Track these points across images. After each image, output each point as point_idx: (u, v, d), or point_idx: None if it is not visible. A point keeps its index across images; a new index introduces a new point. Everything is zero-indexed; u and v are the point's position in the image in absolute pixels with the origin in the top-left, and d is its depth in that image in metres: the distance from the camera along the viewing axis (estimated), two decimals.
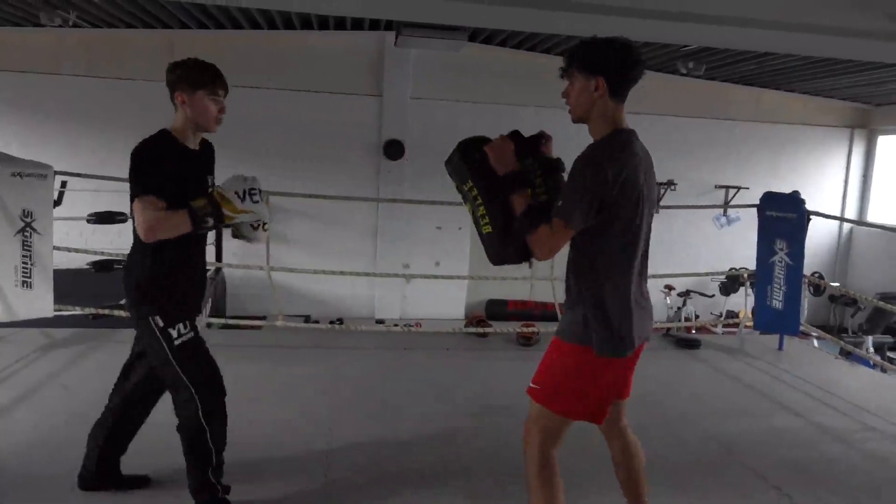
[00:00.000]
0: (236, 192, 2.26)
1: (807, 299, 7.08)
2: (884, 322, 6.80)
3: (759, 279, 4.69)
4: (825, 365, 4.96)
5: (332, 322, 7.70)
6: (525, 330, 5.01)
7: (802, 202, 4.50)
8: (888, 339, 6.64)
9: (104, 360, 4.09)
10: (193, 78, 2.28)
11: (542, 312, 9.84)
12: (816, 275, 8.53)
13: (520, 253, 2.01)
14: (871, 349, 5.95)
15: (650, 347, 5.10)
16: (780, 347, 5.13)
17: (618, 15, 5.54)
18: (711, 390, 4.26)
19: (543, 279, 5.34)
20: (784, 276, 4.54)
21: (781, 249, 4.51)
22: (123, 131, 6.68)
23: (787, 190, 4.82)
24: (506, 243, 2.02)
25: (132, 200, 2.19)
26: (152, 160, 2.22)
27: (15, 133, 8.18)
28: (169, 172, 2.22)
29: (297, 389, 3.89)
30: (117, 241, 7.15)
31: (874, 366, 5.41)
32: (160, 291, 2.30)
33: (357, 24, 8.60)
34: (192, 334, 2.32)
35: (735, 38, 5.67)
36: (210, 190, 2.35)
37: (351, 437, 3.25)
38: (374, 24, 8.60)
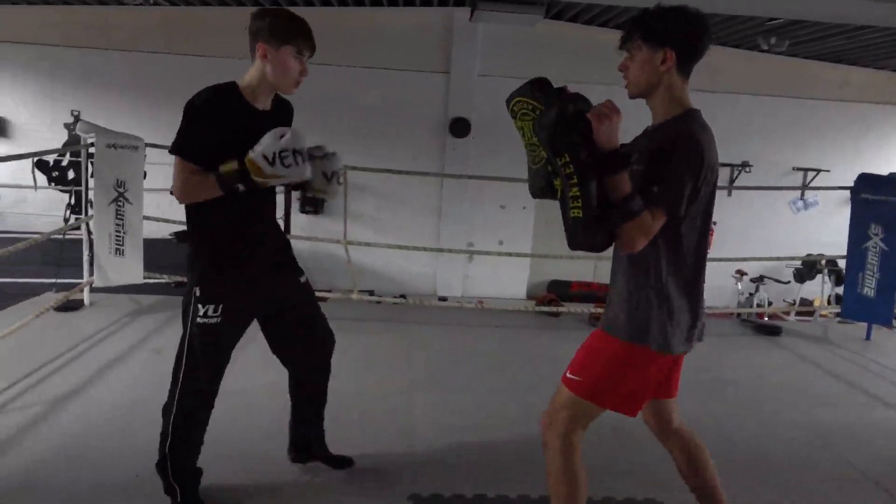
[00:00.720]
0: (265, 157, 2.00)
1: None
2: None
3: (851, 265, 4.46)
4: None
5: (396, 298, 7.77)
6: (599, 311, 4.93)
7: None
8: None
9: None
10: (283, 30, 2.06)
11: (605, 294, 9.71)
12: None
13: (606, 241, 1.73)
14: None
15: (729, 333, 4.99)
16: (868, 337, 4.90)
17: None
18: (798, 379, 4.10)
19: (608, 258, 5.22)
20: (878, 262, 4.31)
21: (876, 234, 4.27)
22: None
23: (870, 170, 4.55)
24: (595, 230, 1.70)
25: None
26: (203, 118, 2.02)
27: (100, 108, 8.53)
28: (225, 132, 2.02)
29: (376, 360, 3.96)
30: None
31: None
32: (203, 261, 2.14)
33: (426, 1, 8.55)
34: (217, 320, 2.12)
35: (829, 10, 5.41)
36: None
37: (432, 408, 3.28)
38: (444, 1, 8.53)
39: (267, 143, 2.01)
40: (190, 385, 2.18)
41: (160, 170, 7.14)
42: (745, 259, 6.02)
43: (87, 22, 8.58)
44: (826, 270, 8.41)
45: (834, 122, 9.48)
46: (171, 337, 4.14)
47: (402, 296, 9.60)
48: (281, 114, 2.23)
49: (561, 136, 1.66)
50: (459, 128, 9.20)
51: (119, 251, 4.18)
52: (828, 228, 9.21)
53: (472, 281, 9.77)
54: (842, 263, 5.62)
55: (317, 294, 2.61)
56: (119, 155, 4.12)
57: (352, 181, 9.17)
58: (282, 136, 2.02)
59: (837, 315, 7.26)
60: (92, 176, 4.18)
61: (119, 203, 4.14)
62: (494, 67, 9.07)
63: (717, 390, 3.76)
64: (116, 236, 4.16)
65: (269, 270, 2.25)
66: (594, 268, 9.95)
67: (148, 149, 4.89)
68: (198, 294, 2.12)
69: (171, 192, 2.08)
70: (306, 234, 8.90)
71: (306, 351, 2.41)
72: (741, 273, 8.76)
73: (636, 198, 1.68)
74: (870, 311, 4.50)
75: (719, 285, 9.03)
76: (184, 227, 2.31)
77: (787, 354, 4.53)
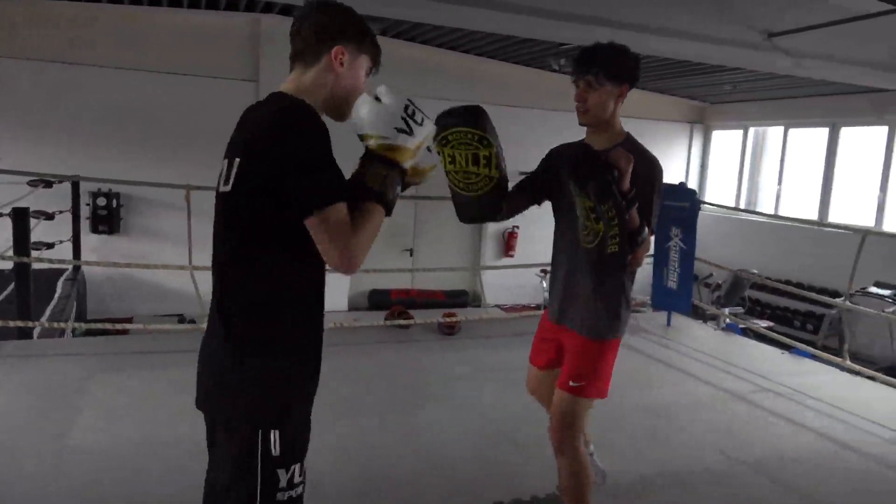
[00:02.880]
0: (396, 129, 1.44)
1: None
2: (736, 296, 7.78)
3: (657, 262, 5.17)
4: (708, 336, 5.62)
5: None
6: (448, 320, 5.10)
7: (694, 192, 5.04)
8: (739, 309, 7.61)
9: None
10: (364, 34, 1.53)
11: (424, 300, 10.04)
12: None
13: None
14: (728, 320, 6.77)
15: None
16: (668, 324, 5.71)
17: (490, 8, 5.77)
18: (628, 364, 4.64)
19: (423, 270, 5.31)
20: (678, 259, 5.05)
21: (676, 235, 5.00)
22: None
23: None
24: (624, 259, 1.92)
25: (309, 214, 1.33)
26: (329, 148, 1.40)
27: None
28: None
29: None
30: None
31: (743, 332, 6.23)
32: (281, 378, 1.45)
33: (232, 5, 8.09)
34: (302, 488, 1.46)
35: (603, 38, 6.20)
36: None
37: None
38: (250, 6, 8.14)
39: (380, 114, 1.44)
40: None
41: None
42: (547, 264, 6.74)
43: None
44: None
45: None
46: None
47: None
48: None
49: (610, 192, 1.84)
50: None
51: None
52: None
53: None
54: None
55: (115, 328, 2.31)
56: None
57: (154, 197, 8.45)
58: (382, 95, 1.48)
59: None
60: None
61: None
62: None
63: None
64: None
65: None
66: (411, 277, 10.22)
67: None
68: (277, 448, 1.37)
69: (331, 265, 1.38)
70: (99, 257, 7.91)
71: None
72: (545, 272, 9.63)
73: (644, 227, 1.97)
74: (674, 301, 5.26)
75: (525, 283, 9.85)
76: None
77: None
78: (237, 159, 1.42)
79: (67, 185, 7.13)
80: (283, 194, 1.34)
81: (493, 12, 5.90)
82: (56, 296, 6.59)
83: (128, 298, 8.42)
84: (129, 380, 3.80)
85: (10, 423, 3.15)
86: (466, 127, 1.99)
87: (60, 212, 7.20)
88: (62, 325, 5.19)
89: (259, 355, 1.39)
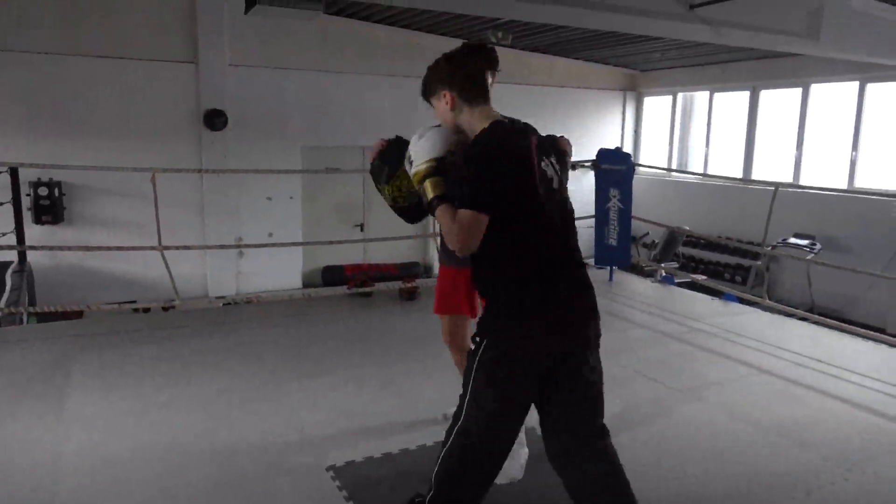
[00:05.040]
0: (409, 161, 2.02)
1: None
2: (671, 252, 8.33)
3: (598, 222, 5.56)
4: (646, 288, 6.09)
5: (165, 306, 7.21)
6: (408, 286, 5.38)
7: (629, 156, 5.44)
8: (674, 264, 8.17)
9: None
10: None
11: (377, 274, 10.26)
12: None
13: None
14: (664, 273, 7.30)
15: None
16: (611, 279, 6.15)
17: None
18: None
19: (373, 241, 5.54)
20: (617, 218, 5.46)
21: (615, 196, 5.40)
22: None
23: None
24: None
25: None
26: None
27: None
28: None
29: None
30: None
31: (677, 284, 6.74)
32: None
33: None
34: None
35: (536, 12, 6.47)
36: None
37: (284, 397, 3.41)
38: None
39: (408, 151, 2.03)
40: None
41: None
42: None
43: None
44: None
45: (547, 103, 11.17)
46: None
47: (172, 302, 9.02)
48: None
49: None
50: (215, 120, 8.82)
51: None
52: None
53: (245, 277, 9.52)
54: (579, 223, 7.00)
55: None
56: None
57: (98, 185, 8.34)
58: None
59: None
60: None
61: None
62: (246, 57, 8.88)
63: None
64: None
65: None
66: (364, 252, 10.42)
67: None
68: None
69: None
70: (45, 244, 7.80)
71: None
72: None
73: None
74: (614, 257, 5.69)
75: None
76: None
77: None
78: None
79: (6, 177, 6.99)
80: None
81: None
82: (7, 288, 6.53)
83: (78, 288, 8.33)
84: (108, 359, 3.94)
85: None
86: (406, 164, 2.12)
87: (0, 203, 7.07)
88: (19, 309, 5.21)
89: None
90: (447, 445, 1.98)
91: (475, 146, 1.92)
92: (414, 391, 3.54)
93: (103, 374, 3.69)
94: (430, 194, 1.91)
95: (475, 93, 1.98)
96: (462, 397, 1.96)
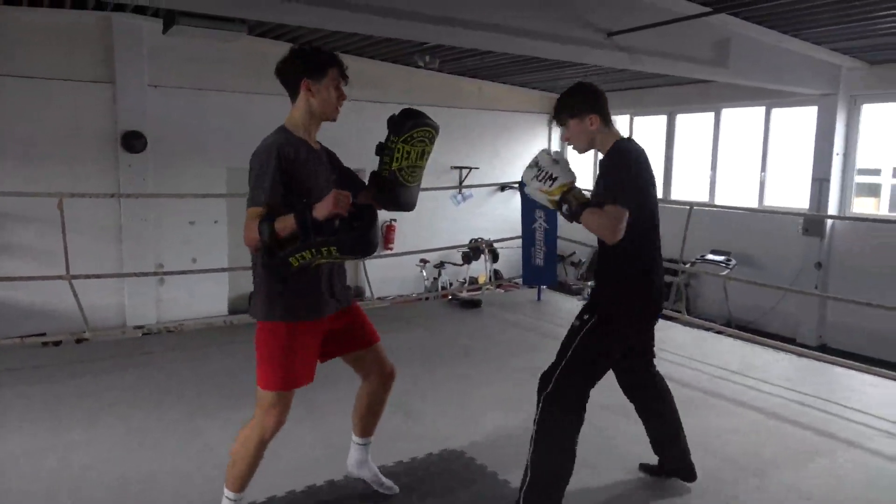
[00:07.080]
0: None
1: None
2: None
3: (525, 243, 5.65)
4: (573, 306, 6.20)
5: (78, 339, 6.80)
6: None
7: None
8: None
9: None
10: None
11: None
12: None
13: None
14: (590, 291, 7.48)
15: (446, 312, 5.85)
16: (539, 299, 6.23)
17: (353, 11, 5.98)
18: (509, 336, 5.09)
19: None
20: (543, 238, 5.56)
21: (541, 217, 5.50)
22: None
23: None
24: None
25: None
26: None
27: None
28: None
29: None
30: None
31: None
32: None
33: (80, 3, 7.68)
34: None
35: (462, 37, 6.60)
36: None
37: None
38: (101, 5, 7.76)
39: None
40: None
41: None
42: (424, 251, 7.23)
43: None
44: (486, 251, 10.14)
45: (476, 126, 11.35)
46: None
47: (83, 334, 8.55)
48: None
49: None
50: (133, 142, 8.49)
51: None
52: (484, 217, 11.09)
53: (166, 304, 9.13)
54: (497, 245, 7.18)
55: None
56: None
57: (4, 210, 7.84)
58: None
59: (499, 287, 8.90)
60: None
61: None
62: (166, 78, 8.62)
63: (458, 353, 4.48)
64: None
65: None
66: None
67: None
68: None
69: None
70: None
71: None
72: (424, 262, 10.00)
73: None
74: (541, 277, 5.77)
75: (407, 275, 10.18)
76: None
77: (492, 320, 5.54)
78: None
79: None
80: None
81: (349, 13, 6.07)
82: None
83: None
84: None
85: None
86: (428, 126, 2.25)
87: None
88: None
89: None
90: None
91: (619, 155, 2.49)
92: (336, 422, 3.45)
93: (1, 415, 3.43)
94: (576, 203, 2.42)
95: (609, 116, 2.57)
96: (562, 355, 2.63)
